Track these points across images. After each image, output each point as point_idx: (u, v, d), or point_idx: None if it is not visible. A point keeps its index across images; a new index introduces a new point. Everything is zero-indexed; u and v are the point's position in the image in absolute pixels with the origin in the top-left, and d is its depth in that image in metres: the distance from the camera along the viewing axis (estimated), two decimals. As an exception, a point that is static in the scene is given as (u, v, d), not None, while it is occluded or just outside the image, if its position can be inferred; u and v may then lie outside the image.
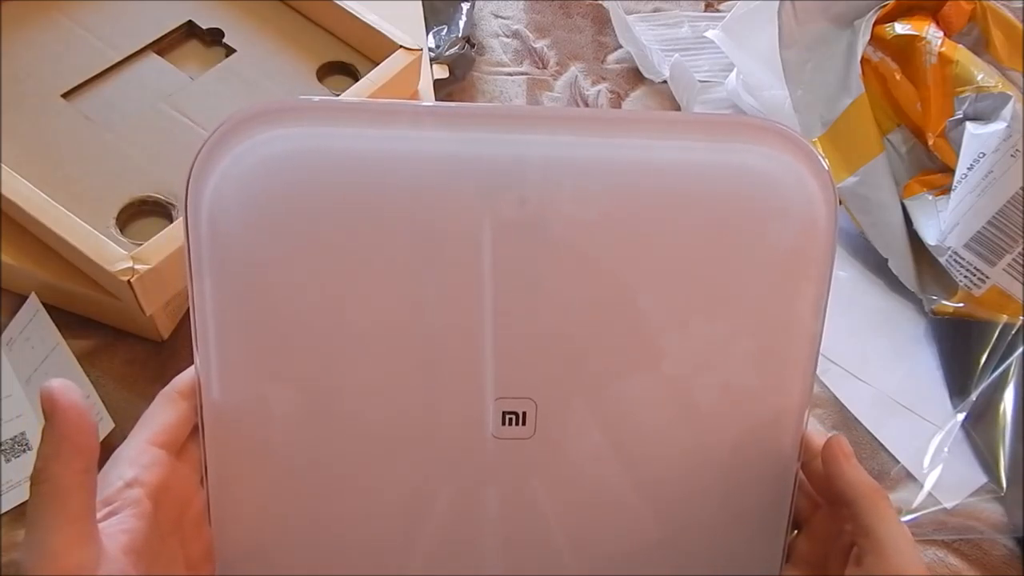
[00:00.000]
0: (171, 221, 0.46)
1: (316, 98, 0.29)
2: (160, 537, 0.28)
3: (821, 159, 0.29)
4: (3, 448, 0.44)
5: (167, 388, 0.30)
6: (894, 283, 0.58)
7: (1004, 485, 0.50)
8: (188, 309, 0.29)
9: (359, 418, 0.30)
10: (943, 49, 0.57)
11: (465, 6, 0.69)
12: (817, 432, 0.32)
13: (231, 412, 0.29)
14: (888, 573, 0.27)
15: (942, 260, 0.56)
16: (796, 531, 0.33)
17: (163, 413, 0.29)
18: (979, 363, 0.54)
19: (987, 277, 0.55)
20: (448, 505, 0.30)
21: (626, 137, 0.29)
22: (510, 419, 0.30)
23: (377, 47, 0.56)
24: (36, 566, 0.23)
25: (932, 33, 0.57)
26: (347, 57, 0.58)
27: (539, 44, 0.73)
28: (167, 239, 0.44)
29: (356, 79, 0.56)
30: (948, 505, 0.49)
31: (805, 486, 0.33)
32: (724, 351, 0.30)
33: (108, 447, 0.44)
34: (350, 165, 0.28)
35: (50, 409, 0.23)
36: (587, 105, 0.69)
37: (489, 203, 0.28)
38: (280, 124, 0.28)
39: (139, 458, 0.28)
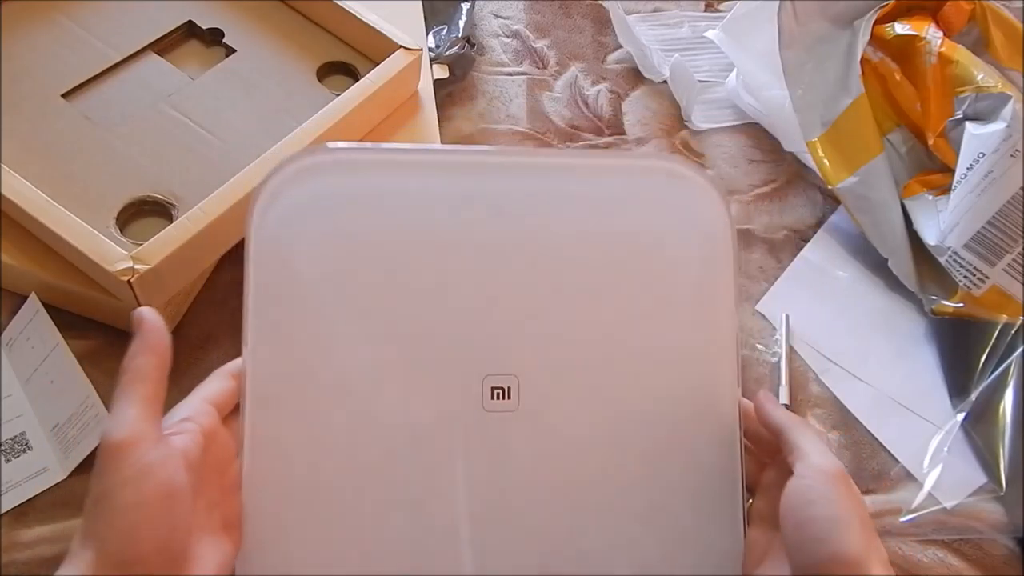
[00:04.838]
0: (171, 221, 0.46)
1: (351, 145, 0.39)
2: (204, 474, 0.31)
3: (713, 182, 0.38)
4: (3, 448, 0.44)
5: (221, 368, 0.35)
6: (894, 283, 0.58)
7: (1004, 485, 0.50)
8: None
9: (378, 402, 0.35)
10: (943, 49, 0.57)
11: (465, 6, 0.69)
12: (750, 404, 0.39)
13: (269, 396, 0.35)
14: (811, 470, 0.33)
15: (942, 260, 0.56)
16: (751, 500, 0.38)
17: (217, 382, 0.35)
18: (979, 363, 0.54)
19: (987, 277, 0.55)
20: (446, 470, 0.35)
21: (578, 176, 0.38)
22: (498, 393, 0.36)
23: (377, 47, 0.57)
24: (112, 430, 0.28)
25: (932, 33, 0.57)
26: (347, 57, 0.58)
27: (539, 44, 0.73)
28: (167, 239, 0.44)
29: (356, 79, 0.56)
30: (948, 505, 0.49)
31: (751, 452, 0.38)
32: (663, 339, 0.38)
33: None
34: (374, 201, 0.37)
35: (138, 323, 0.31)
36: (587, 105, 0.69)
37: (477, 228, 0.37)
38: (325, 172, 0.36)
39: (195, 407, 0.33)
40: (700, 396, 0.37)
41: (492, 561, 0.35)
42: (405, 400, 0.36)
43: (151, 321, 0.31)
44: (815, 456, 0.33)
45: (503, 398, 0.36)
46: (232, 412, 0.35)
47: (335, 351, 0.35)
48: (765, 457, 0.38)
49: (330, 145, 0.37)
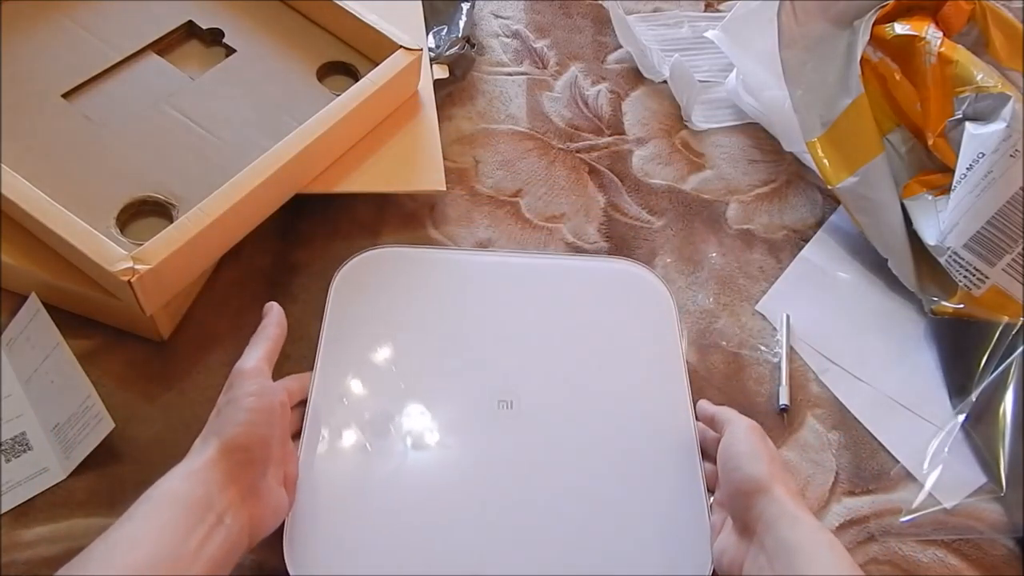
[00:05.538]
0: (171, 221, 0.46)
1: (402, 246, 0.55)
2: (282, 432, 0.41)
3: (656, 274, 0.56)
4: (3, 448, 0.44)
5: (299, 374, 0.46)
6: (894, 283, 0.58)
7: (1004, 485, 0.50)
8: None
9: (408, 411, 0.47)
10: (943, 49, 0.57)
11: (465, 6, 0.69)
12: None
13: (327, 401, 0.46)
14: (734, 426, 0.44)
15: (942, 260, 0.56)
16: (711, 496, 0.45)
17: (294, 380, 0.46)
18: (979, 363, 0.54)
19: (987, 277, 0.55)
20: (463, 460, 0.46)
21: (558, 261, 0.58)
22: (503, 405, 0.48)
23: (377, 47, 0.57)
24: (244, 362, 0.40)
25: (932, 33, 0.57)
26: (347, 57, 0.58)
27: (539, 44, 0.73)
28: (167, 239, 0.44)
29: (356, 79, 0.56)
30: (948, 505, 0.49)
31: (709, 456, 0.46)
32: (631, 377, 0.50)
33: (109, 447, 0.44)
34: (418, 276, 0.53)
35: (268, 309, 0.45)
36: (587, 105, 0.69)
37: (492, 299, 0.53)
38: (384, 256, 0.53)
39: (280, 386, 0.43)
40: (662, 417, 0.49)
41: (495, 524, 0.44)
42: (431, 408, 0.47)
43: (277, 308, 0.45)
44: (737, 420, 0.45)
45: (507, 409, 0.47)
46: (297, 404, 0.45)
47: (379, 376, 0.48)
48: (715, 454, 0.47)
49: (388, 247, 0.54)
